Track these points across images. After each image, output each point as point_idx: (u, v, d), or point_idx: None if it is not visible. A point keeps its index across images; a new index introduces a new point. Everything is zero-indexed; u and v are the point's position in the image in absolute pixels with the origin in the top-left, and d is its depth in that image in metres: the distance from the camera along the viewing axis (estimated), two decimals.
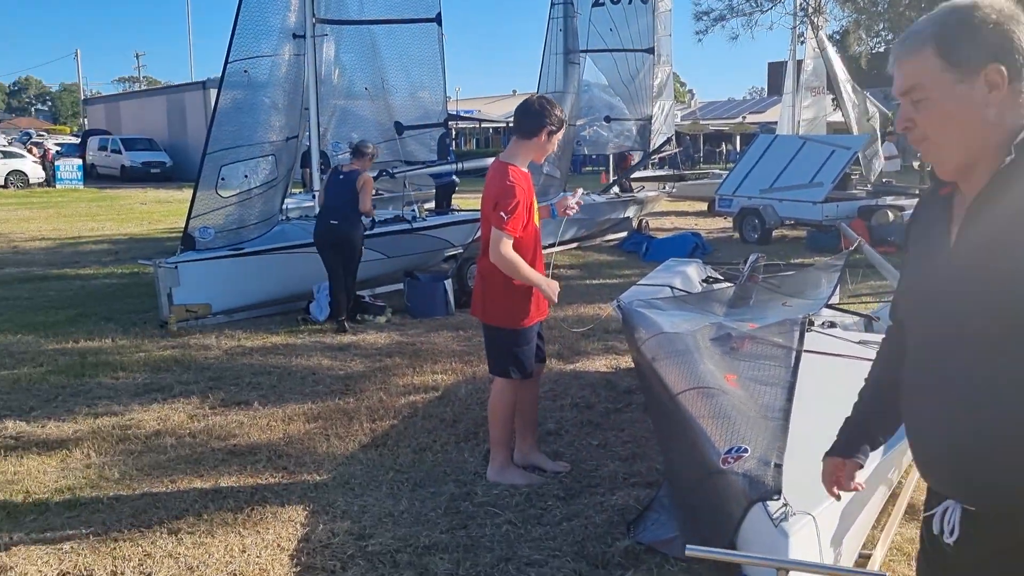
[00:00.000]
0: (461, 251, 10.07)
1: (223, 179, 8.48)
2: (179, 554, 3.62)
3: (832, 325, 4.19)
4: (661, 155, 16.42)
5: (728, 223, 15.62)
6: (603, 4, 15.12)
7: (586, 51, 14.99)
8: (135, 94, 53.55)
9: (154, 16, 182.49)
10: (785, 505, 2.55)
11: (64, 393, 5.99)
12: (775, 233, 14.63)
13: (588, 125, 15.66)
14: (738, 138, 47.00)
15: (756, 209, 14.15)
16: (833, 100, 22.32)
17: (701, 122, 49.42)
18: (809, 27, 19.33)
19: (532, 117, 4.30)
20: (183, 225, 8.53)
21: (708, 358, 3.72)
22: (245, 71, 8.59)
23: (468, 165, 12.04)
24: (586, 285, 10.52)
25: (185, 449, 4.91)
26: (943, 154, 1.59)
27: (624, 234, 14.55)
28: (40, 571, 3.48)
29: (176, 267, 8.03)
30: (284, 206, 10.14)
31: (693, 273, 6.32)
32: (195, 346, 7.34)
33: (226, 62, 8.51)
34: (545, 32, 13.99)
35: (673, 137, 17.55)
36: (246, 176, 8.59)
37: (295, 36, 8.88)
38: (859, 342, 3.98)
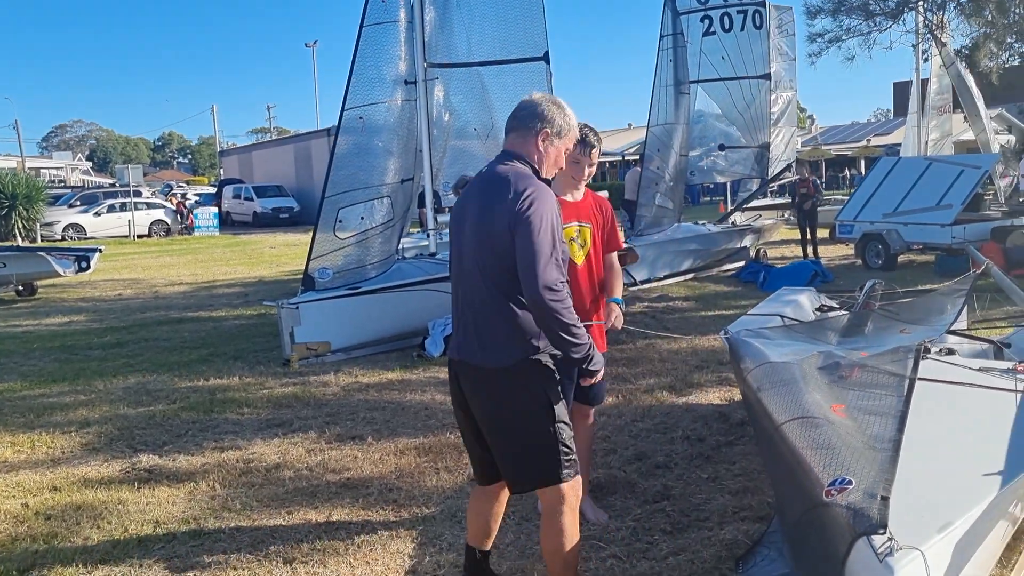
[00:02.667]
0: None
1: (341, 221, 8.82)
2: None
3: (951, 352, 3.99)
4: (780, 182, 16.01)
5: (850, 250, 15.11)
6: (714, 33, 14.99)
7: (698, 81, 14.90)
8: (265, 144, 56.24)
9: (284, 70, 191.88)
10: (891, 539, 2.44)
11: (194, 428, 6.32)
12: (901, 258, 14.06)
13: (703, 156, 15.50)
14: (862, 162, 45.44)
15: (879, 234, 13.64)
16: (964, 119, 21.39)
17: (823, 147, 48.12)
18: (933, 44, 18.61)
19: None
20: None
21: (815, 388, 3.62)
22: (360, 118, 8.95)
23: None
24: (701, 316, 10.36)
25: (302, 482, 5.09)
26: None
27: (741, 263, 14.29)
28: None
29: (297, 307, 8.37)
30: (400, 246, 10.44)
31: (806, 302, 6.15)
32: (314, 383, 7.61)
33: (342, 110, 8.90)
34: (655, 64, 13.99)
35: (793, 164, 17.13)
36: (362, 218, 8.90)
37: (406, 82, 9.20)
38: (979, 369, 3.78)
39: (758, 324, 5.36)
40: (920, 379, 3.59)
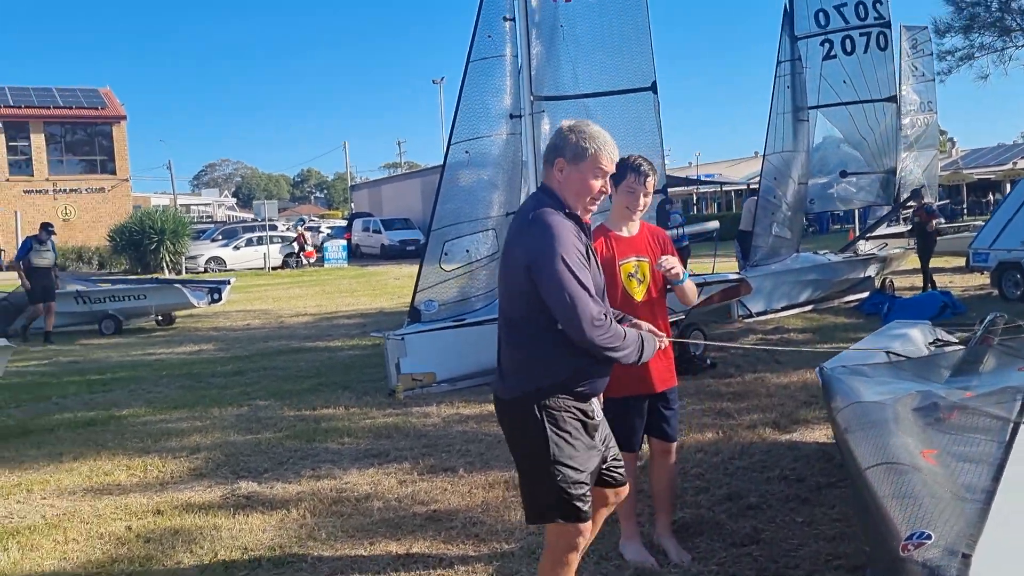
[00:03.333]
0: (683, 317, 9.89)
1: (447, 254, 8.96)
2: None
3: None
4: (907, 208, 15.26)
5: (986, 279, 14.21)
6: (835, 56, 14.50)
7: (818, 106, 14.44)
8: (394, 178, 57.98)
9: (414, 106, 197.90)
10: None
11: (295, 456, 6.49)
12: None
13: (824, 183, 14.98)
14: (1007, 186, 42.93)
15: (1018, 262, 12.78)
16: None
17: (963, 171, 45.80)
18: None
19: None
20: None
21: (906, 430, 3.38)
22: (466, 152, 9.09)
23: (690, 229, 11.90)
24: (815, 347, 9.92)
25: (389, 512, 5.13)
26: None
27: (865, 295, 13.67)
28: None
29: (403, 338, 8.52)
30: None
31: (918, 335, 5.79)
32: (416, 413, 7.70)
33: (448, 144, 9.07)
34: (771, 91, 13.65)
35: (922, 189, 16.31)
36: (468, 251, 9.01)
37: (511, 116, 9.28)
38: None
39: (861, 359, 5.09)
40: None
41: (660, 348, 3.41)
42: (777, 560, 4.17)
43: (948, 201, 40.30)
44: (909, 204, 14.89)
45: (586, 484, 3.18)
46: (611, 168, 3.23)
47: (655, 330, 3.43)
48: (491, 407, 7.81)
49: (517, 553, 4.41)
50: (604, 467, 3.37)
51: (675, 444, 4.42)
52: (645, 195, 4.07)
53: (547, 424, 3.12)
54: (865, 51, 14.28)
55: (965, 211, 43.49)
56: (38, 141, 39.87)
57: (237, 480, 5.92)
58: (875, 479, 3.07)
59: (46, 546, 4.85)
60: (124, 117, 42.19)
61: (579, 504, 3.15)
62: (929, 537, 2.53)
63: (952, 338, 6.01)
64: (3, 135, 38.87)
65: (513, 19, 9.15)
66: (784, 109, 13.57)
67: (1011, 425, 3.27)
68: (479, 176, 9.16)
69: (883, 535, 2.79)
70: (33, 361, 12.22)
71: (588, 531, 3.26)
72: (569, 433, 3.14)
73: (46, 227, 14.80)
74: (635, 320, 3.46)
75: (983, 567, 2.35)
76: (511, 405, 3.20)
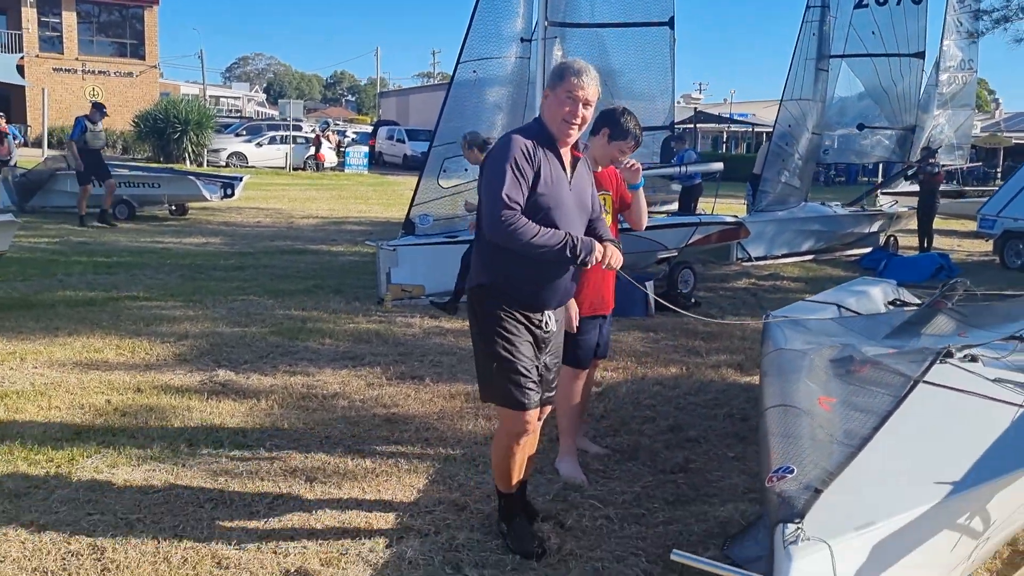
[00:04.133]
0: (675, 254, 10.08)
1: (445, 171, 9.14)
2: (303, 496, 4.11)
3: (973, 359, 3.85)
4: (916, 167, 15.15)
5: (989, 246, 14.24)
6: (867, 5, 14.28)
7: (843, 56, 14.28)
8: (423, 88, 57.54)
9: (451, 17, 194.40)
10: (799, 529, 2.49)
11: (276, 352, 6.81)
12: None
13: (840, 134, 14.91)
14: None
15: (1023, 233, 12.79)
16: None
17: (1004, 134, 44.88)
18: None
19: (600, 120, 4.38)
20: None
21: (813, 378, 3.61)
22: (474, 71, 9.17)
23: (693, 168, 11.97)
24: (802, 298, 10.09)
25: (352, 412, 5.45)
26: None
27: (868, 250, 13.75)
28: (184, 494, 4.11)
29: (395, 249, 8.77)
30: None
31: (878, 294, 5.96)
32: (399, 323, 8.00)
33: (457, 62, 9.15)
34: (797, 35, 13.51)
35: (937, 150, 16.16)
36: (466, 169, 9.15)
37: (522, 40, 9.32)
38: (995, 380, 3.65)
39: (811, 311, 5.30)
40: (926, 382, 3.54)
41: (597, 259, 3.49)
42: (697, 489, 4.46)
43: (981, 163, 39.62)
44: (919, 162, 14.81)
45: (526, 376, 3.49)
46: (580, 94, 3.44)
47: (600, 247, 3.51)
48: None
49: (459, 459, 4.72)
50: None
51: (591, 366, 4.80)
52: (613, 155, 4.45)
53: (487, 317, 3.48)
54: (899, 3, 14.05)
55: (1000, 175, 42.76)
56: (69, 19, 39.79)
57: (217, 368, 6.26)
58: (770, 418, 3.33)
59: (30, 410, 5.23)
60: (157, 2, 41.92)
61: (516, 393, 3.49)
62: (791, 471, 2.79)
63: (914, 299, 6.18)
64: (35, 9, 38.81)
65: None
66: (808, 55, 13.46)
67: (911, 382, 3.49)
68: (484, 96, 9.26)
69: (762, 468, 3.06)
70: (45, 239, 12.61)
71: (529, 423, 3.56)
72: (508, 330, 3.46)
73: (99, 108, 14.65)
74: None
75: (830, 502, 2.61)
76: (468, 295, 3.64)
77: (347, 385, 6.02)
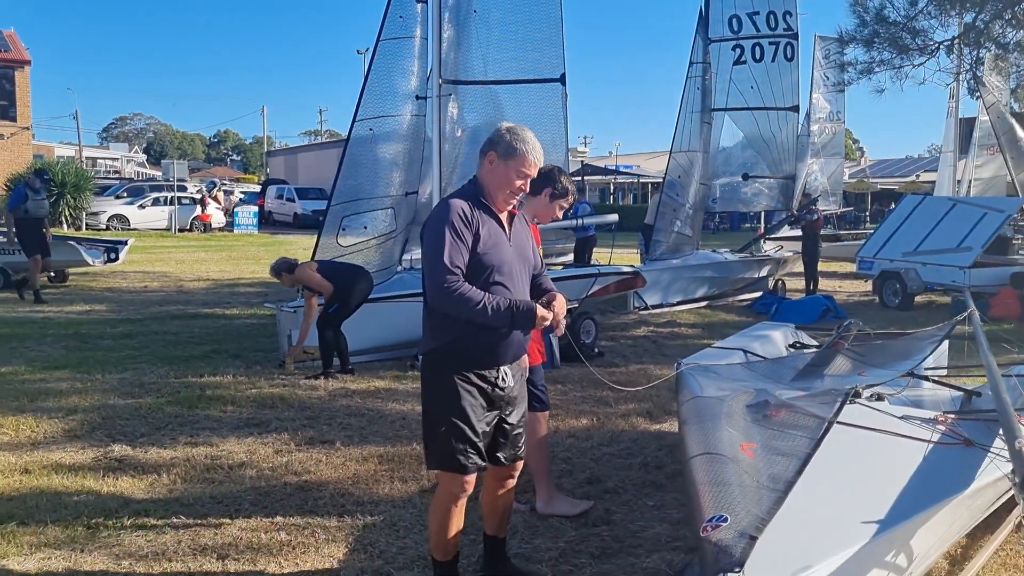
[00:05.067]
0: (575, 305, 10.18)
1: (344, 229, 9.03)
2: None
3: (879, 398, 4.00)
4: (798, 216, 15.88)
5: (868, 286, 14.97)
6: (745, 62, 14.98)
7: (725, 109, 14.91)
8: (312, 147, 57.12)
9: (337, 75, 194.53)
10: None
11: (174, 423, 6.51)
12: (920, 299, 13.90)
13: (726, 184, 15.49)
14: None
15: (898, 273, 13.51)
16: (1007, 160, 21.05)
17: (869, 180, 47.58)
18: (973, 83, 18.38)
19: (540, 178, 4.48)
20: None
21: (733, 425, 3.67)
22: (370, 129, 9.16)
23: (590, 220, 12.20)
24: (702, 345, 10.33)
25: (261, 481, 5.24)
26: None
27: (758, 294, 14.24)
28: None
29: (295, 311, 8.57)
30: (409, 257, 10.61)
31: (779, 337, 6.17)
32: (303, 386, 7.79)
33: (353, 120, 9.12)
34: (683, 90, 14.06)
35: (818, 198, 17.01)
36: (365, 227, 9.10)
37: (417, 97, 9.37)
38: (902, 417, 3.80)
39: (719, 357, 5.42)
40: (839, 423, 3.64)
41: (540, 322, 3.49)
42: (622, 540, 4.44)
43: (852, 208, 41.87)
44: (800, 209, 15.55)
45: (472, 441, 3.48)
46: (532, 171, 3.58)
47: (543, 312, 3.50)
48: (380, 383, 8.00)
49: (379, 525, 4.58)
50: (503, 443, 3.67)
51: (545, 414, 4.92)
52: (561, 210, 4.76)
53: (438, 381, 3.50)
54: (773, 60, 14.80)
55: (868, 218, 45.18)
56: None
57: (111, 443, 5.93)
58: (696, 467, 3.35)
59: None
60: (28, 62, 40.36)
61: (460, 457, 3.47)
62: (725, 520, 2.80)
63: (812, 341, 6.40)
64: None
65: (426, 1, 9.23)
66: (693, 109, 14.02)
67: (825, 424, 3.58)
68: (381, 154, 9.24)
69: (694, 517, 3.07)
70: None
71: (468, 485, 3.56)
72: (458, 393, 3.46)
73: (41, 175, 13.97)
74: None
75: (766, 548, 2.63)
76: (422, 360, 3.66)
77: (254, 454, 5.79)
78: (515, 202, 3.64)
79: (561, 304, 3.61)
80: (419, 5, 9.22)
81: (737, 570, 2.54)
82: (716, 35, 14.78)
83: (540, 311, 3.45)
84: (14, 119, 39.89)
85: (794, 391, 4.34)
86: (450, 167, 10.06)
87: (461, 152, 10.22)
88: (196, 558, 4.11)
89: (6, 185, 31.91)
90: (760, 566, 2.54)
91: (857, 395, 3.96)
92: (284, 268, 8.28)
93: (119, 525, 4.50)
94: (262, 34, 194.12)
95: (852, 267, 17.96)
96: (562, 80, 10.49)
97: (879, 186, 47.77)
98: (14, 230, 13.32)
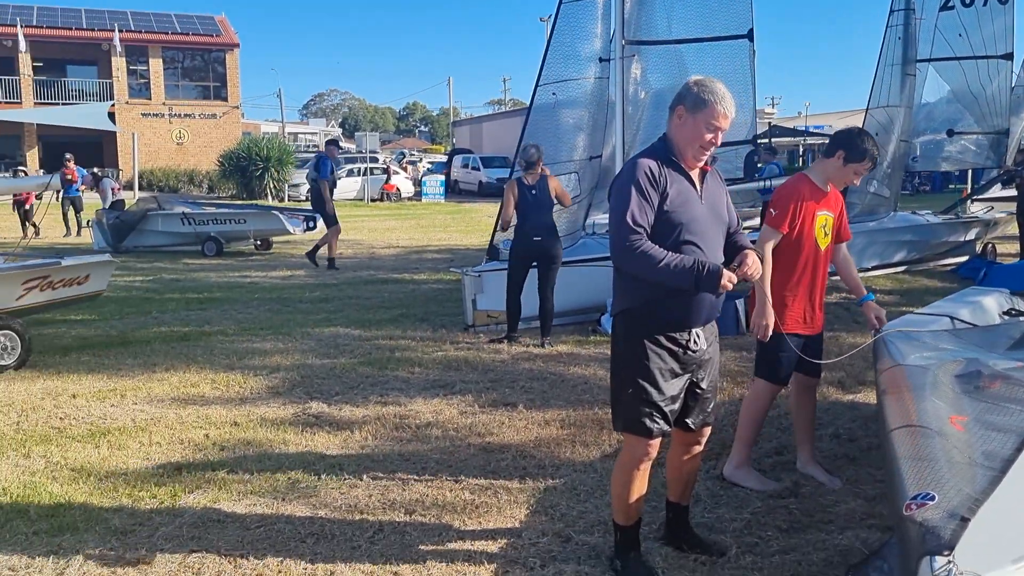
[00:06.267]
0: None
1: None
2: (403, 529, 4.04)
3: None
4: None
5: None
6: (952, 7, 13.78)
7: (929, 59, 13.80)
8: (496, 116, 57.96)
9: (521, 44, 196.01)
10: (951, 562, 2.29)
11: (366, 383, 6.80)
12: None
13: (928, 141, 14.38)
14: None
15: None
16: None
17: None
18: None
19: (835, 141, 4.50)
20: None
21: (941, 396, 3.39)
22: (553, 94, 9.11)
23: (776, 182, 11.64)
24: (900, 312, 9.69)
25: (446, 441, 5.38)
26: None
27: (964, 258, 13.18)
28: (286, 528, 4.07)
29: (480, 276, 8.72)
30: (592, 221, 10.56)
31: (992, 304, 5.64)
32: (487, 349, 7.93)
33: (536, 85, 9.11)
34: (881, 41, 13.12)
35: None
36: None
37: (601, 60, 9.23)
38: None
39: (923, 324, 5.02)
40: None
41: (726, 284, 3.30)
42: (812, 514, 4.24)
43: None
44: (1016, 166, 14.17)
45: (659, 405, 3.43)
46: (724, 124, 3.39)
47: (729, 274, 3.32)
48: (562, 348, 8.04)
49: (559, 488, 4.59)
50: (692, 407, 3.59)
51: (816, 380, 4.89)
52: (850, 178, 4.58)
53: (628, 343, 3.46)
54: (984, 3, 13.53)
55: None
56: (156, 66, 41.33)
57: (309, 400, 6.27)
58: (898, 441, 3.12)
59: (132, 446, 5.30)
60: (237, 45, 43.27)
61: (645, 420, 3.44)
62: (933, 499, 2.59)
63: None
64: (124, 58, 40.41)
65: None
66: (893, 61, 13.03)
67: None
68: (565, 119, 9.18)
69: (895, 495, 2.85)
70: (139, 277, 12.99)
71: (652, 449, 3.51)
72: (647, 355, 3.41)
73: (336, 144, 15.23)
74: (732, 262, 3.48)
75: (979, 531, 2.40)
76: (613, 321, 3.60)
77: (440, 414, 5.96)
78: (707, 157, 3.46)
79: (754, 262, 3.42)
80: None
81: (946, 553, 2.34)
82: None
83: (726, 274, 3.28)
84: (225, 99, 43.01)
85: (1012, 361, 3.95)
86: (633, 130, 9.88)
87: (644, 115, 10.01)
88: (385, 512, 4.28)
89: (219, 161, 34.55)
90: (972, 551, 2.32)
91: None
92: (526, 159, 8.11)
93: (316, 478, 4.75)
94: (447, 6, 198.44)
95: None
96: (750, 36, 10.03)
97: None
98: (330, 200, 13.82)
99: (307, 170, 35.88)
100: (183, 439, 5.44)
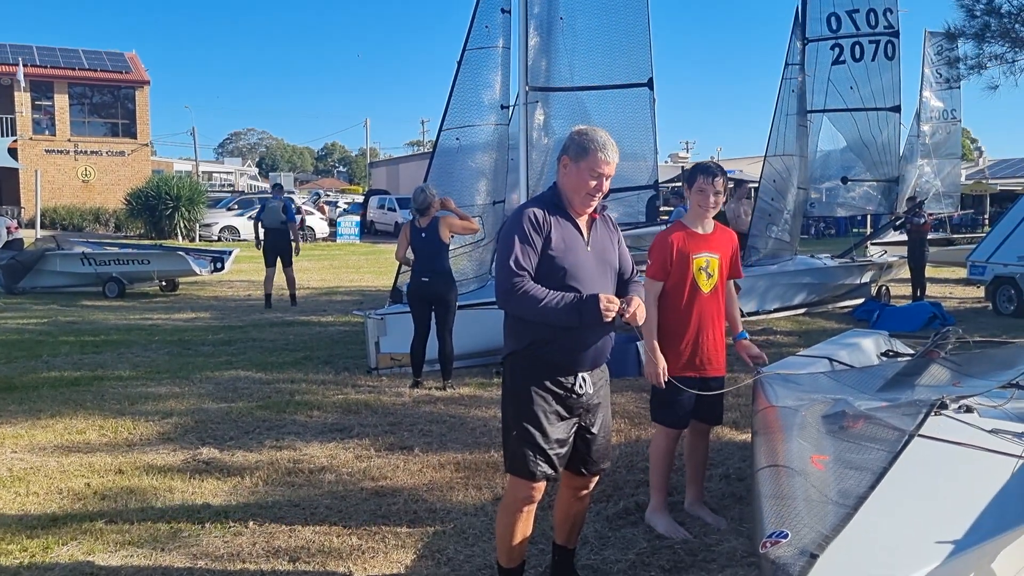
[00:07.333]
0: None
1: None
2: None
3: (969, 410, 3.76)
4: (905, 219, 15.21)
5: (981, 293, 14.21)
6: (844, 61, 14.47)
7: (824, 111, 14.44)
8: (412, 157, 58.10)
9: (439, 86, 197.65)
10: None
11: (262, 427, 6.68)
12: None
13: (825, 188, 14.99)
14: None
15: (1013, 278, 12.78)
16: None
17: (988, 181, 45.33)
18: None
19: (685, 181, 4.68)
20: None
21: (805, 436, 3.51)
22: (457, 139, 9.21)
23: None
24: (794, 353, 10.00)
25: (338, 486, 5.31)
26: None
27: (860, 301, 13.71)
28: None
29: (383, 318, 8.70)
30: (492, 264, 10.65)
31: (870, 345, 5.89)
32: (389, 392, 7.89)
33: (439, 130, 9.21)
34: (777, 92, 13.69)
35: (923, 201, 16.28)
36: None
37: (502, 107, 9.39)
38: (991, 431, 3.55)
39: (802, 365, 5.21)
40: (921, 436, 3.44)
41: (607, 306, 3.37)
42: (695, 554, 4.32)
43: (971, 211, 40.07)
44: (906, 213, 14.90)
45: (543, 449, 3.47)
46: (607, 170, 3.48)
47: (606, 299, 3.37)
48: (464, 391, 8.01)
49: (448, 532, 4.58)
50: (583, 451, 3.64)
51: (708, 427, 5.00)
52: (715, 194, 4.52)
53: (514, 385, 3.53)
54: (873, 59, 14.25)
55: (987, 221, 43.00)
56: (61, 102, 40.20)
57: (201, 446, 6.12)
58: (762, 480, 3.22)
59: (6, 497, 5.09)
60: (148, 82, 42.46)
61: (529, 464, 3.47)
62: (786, 536, 2.68)
63: (907, 349, 6.10)
64: (29, 94, 39.25)
65: (509, 11, 9.25)
66: (789, 111, 13.60)
67: (905, 436, 3.39)
68: (468, 164, 9.27)
69: (755, 532, 2.95)
70: (33, 319, 12.52)
71: (535, 492, 3.55)
72: (532, 399, 3.46)
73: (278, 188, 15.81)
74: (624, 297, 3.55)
75: (827, 568, 2.49)
76: (502, 363, 3.67)
77: (335, 458, 5.89)
78: (595, 204, 3.56)
79: (638, 306, 3.49)
80: (503, 15, 9.24)
81: None
82: (814, 34, 14.31)
83: (603, 298, 3.35)
84: (135, 136, 42.05)
85: (877, 402, 4.13)
86: (536, 175, 10.05)
87: (548, 160, 10.18)
88: (268, 560, 4.20)
89: (126, 199, 33.67)
90: None
91: (944, 406, 3.73)
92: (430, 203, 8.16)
93: (199, 526, 4.63)
94: (366, 48, 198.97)
95: (964, 272, 17.15)
96: (650, 85, 10.38)
97: (999, 187, 45.39)
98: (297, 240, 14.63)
99: (221, 209, 35.38)
100: (62, 488, 5.24)
